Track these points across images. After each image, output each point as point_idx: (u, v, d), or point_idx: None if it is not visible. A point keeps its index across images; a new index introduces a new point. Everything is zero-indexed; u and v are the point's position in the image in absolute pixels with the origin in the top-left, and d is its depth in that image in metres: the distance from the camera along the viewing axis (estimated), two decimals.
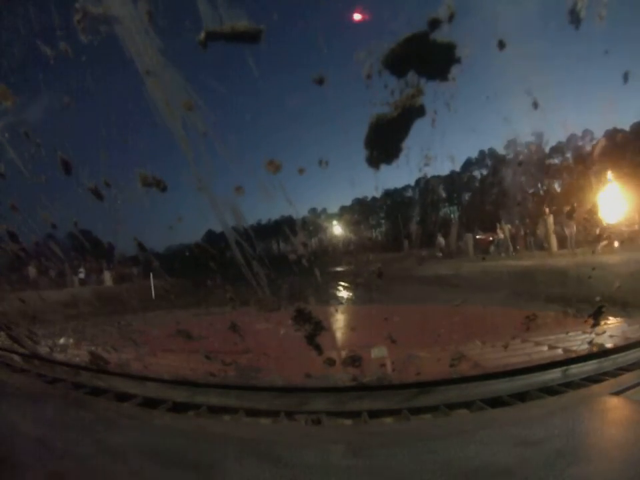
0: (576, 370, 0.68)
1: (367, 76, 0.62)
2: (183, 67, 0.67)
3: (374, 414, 0.59)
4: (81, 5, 0.66)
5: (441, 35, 0.57)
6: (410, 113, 0.60)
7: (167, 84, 0.66)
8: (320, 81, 0.65)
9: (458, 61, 0.58)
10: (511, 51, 0.65)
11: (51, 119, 0.88)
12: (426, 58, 0.59)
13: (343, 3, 0.77)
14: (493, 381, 0.66)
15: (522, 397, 0.61)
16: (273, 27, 0.65)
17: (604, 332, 0.85)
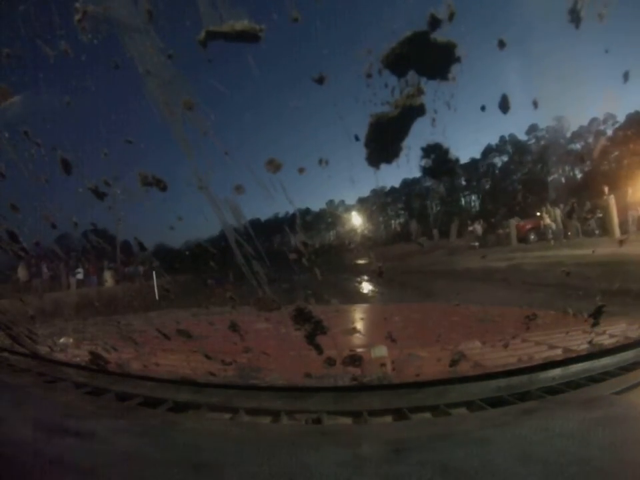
0: (576, 369, 0.68)
1: (367, 75, 0.62)
2: (183, 67, 0.67)
3: (374, 413, 0.59)
4: (81, 5, 0.66)
5: (442, 35, 0.57)
6: (410, 112, 0.60)
7: (167, 83, 0.66)
8: (320, 80, 0.65)
9: (458, 60, 0.58)
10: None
11: (51, 118, 0.88)
12: (426, 57, 0.59)
13: (343, 3, 0.77)
14: (493, 380, 0.66)
15: (522, 396, 0.61)
16: (273, 27, 0.65)
17: (604, 331, 0.85)
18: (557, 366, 0.69)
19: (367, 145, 0.63)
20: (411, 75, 0.60)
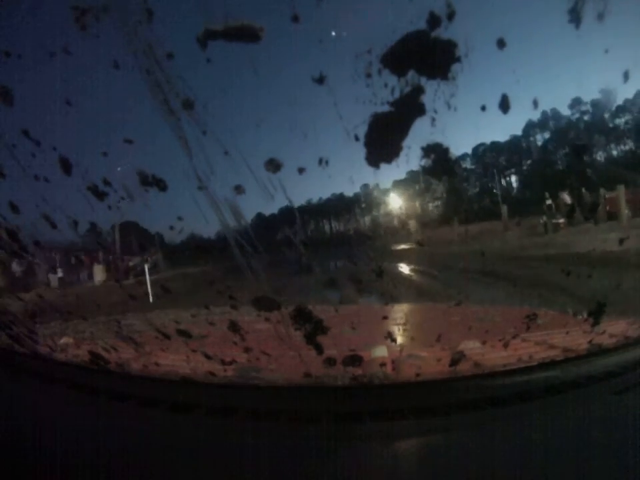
0: (576, 369, 0.68)
1: (367, 75, 0.62)
2: (183, 67, 0.67)
3: (374, 413, 0.59)
4: (81, 4, 0.66)
5: (441, 34, 0.57)
6: (410, 112, 0.60)
7: (167, 83, 0.66)
8: (320, 80, 0.65)
9: (458, 59, 0.58)
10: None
11: (50, 118, 0.88)
12: (426, 57, 0.58)
13: (343, 2, 0.77)
14: (493, 380, 0.66)
15: (522, 396, 0.61)
16: (273, 26, 0.64)
17: (604, 331, 0.84)
18: (557, 366, 0.69)
19: (366, 144, 0.62)
20: (411, 75, 0.60)
